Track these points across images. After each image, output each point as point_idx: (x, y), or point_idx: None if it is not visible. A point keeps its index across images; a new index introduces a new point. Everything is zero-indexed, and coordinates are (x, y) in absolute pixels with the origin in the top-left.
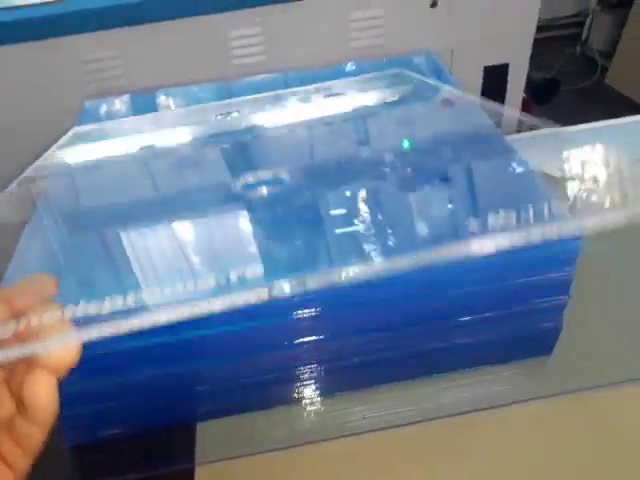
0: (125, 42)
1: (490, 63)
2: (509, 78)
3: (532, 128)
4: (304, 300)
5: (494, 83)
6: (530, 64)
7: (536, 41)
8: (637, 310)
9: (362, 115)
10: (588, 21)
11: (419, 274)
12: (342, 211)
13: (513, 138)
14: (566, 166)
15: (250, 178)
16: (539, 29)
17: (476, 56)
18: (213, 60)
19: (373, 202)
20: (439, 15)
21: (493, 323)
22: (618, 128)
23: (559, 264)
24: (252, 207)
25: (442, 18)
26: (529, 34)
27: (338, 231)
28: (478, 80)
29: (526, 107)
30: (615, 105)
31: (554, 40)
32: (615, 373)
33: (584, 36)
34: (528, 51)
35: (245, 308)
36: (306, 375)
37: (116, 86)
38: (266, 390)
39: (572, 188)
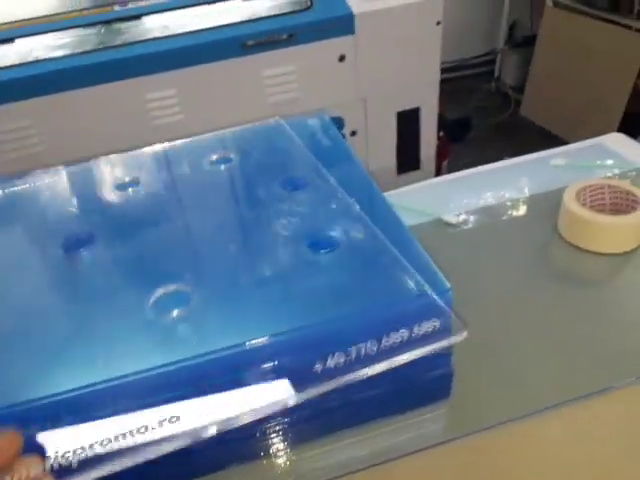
0: (40, 111)
1: (402, 108)
2: (422, 120)
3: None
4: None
5: (408, 126)
6: (449, 101)
7: (454, 79)
8: (524, 346)
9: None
10: (498, 59)
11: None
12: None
13: (410, 188)
14: (462, 213)
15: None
16: (455, 68)
17: (388, 103)
18: (132, 122)
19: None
20: (348, 68)
21: (385, 377)
22: (516, 167)
23: (435, 314)
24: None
25: (351, 71)
26: (435, 80)
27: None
28: (393, 124)
29: (443, 145)
30: (530, 135)
31: (470, 78)
32: (510, 409)
33: (496, 73)
34: (436, 95)
35: None
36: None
37: (34, 154)
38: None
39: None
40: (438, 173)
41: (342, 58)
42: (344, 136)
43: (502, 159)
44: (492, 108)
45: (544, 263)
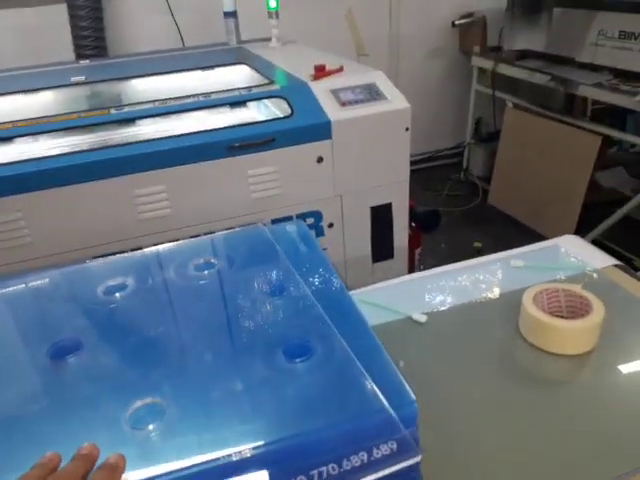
0: (31, 206)
1: (375, 204)
2: (394, 214)
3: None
4: None
5: (381, 220)
6: (424, 188)
7: (427, 169)
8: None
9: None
10: (466, 152)
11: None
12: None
13: (382, 285)
14: (430, 312)
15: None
16: (427, 159)
17: (362, 199)
18: (120, 216)
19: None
20: (325, 168)
21: None
22: (480, 267)
23: (400, 429)
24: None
25: (328, 170)
26: (404, 179)
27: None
28: (367, 218)
29: (415, 235)
30: (497, 222)
31: (442, 168)
32: None
33: (464, 164)
34: (406, 191)
35: None
36: None
37: (23, 245)
38: None
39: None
40: (411, 261)
41: (320, 159)
42: (322, 228)
43: (472, 245)
44: (462, 196)
45: (507, 363)
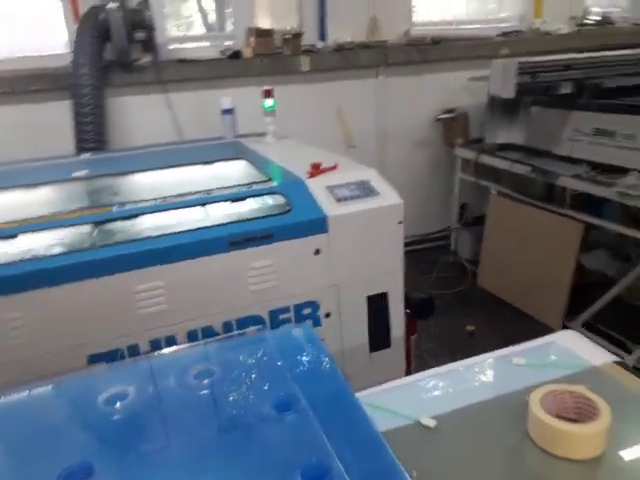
0: (30, 304)
1: (371, 293)
2: (390, 303)
3: None
4: None
5: (377, 309)
6: (415, 270)
7: (415, 252)
8: None
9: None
10: (453, 235)
11: None
12: None
13: (390, 386)
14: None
15: None
16: (417, 242)
17: (358, 289)
18: (119, 312)
19: None
20: (322, 260)
21: None
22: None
23: None
24: None
25: (325, 262)
26: (399, 269)
27: None
28: (363, 307)
29: (410, 321)
30: (489, 304)
31: (432, 250)
32: None
33: (452, 247)
34: (401, 280)
35: None
36: None
37: (21, 344)
38: None
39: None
40: (408, 348)
41: (317, 252)
42: (319, 318)
43: (464, 328)
44: (452, 278)
45: (519, 469)
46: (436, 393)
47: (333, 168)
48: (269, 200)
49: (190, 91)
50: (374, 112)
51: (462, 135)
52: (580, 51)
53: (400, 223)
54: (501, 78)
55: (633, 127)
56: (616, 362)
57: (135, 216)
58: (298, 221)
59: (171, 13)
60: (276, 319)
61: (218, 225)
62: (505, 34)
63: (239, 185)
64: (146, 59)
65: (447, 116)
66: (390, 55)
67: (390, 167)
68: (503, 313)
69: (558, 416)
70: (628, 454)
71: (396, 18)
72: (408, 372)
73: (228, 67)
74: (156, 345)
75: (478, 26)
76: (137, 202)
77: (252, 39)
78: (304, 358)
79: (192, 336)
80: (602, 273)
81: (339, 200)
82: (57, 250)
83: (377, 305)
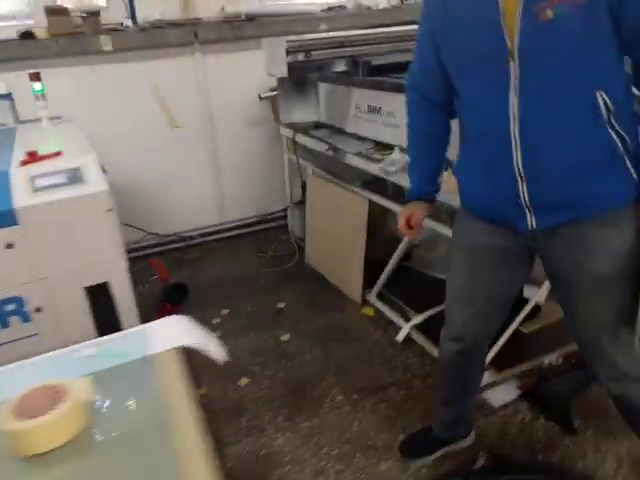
0: None
1: (89, 284)
2: (115, 293)
3: None
4: None
5: (100, 299)
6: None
7: (258, 232)
8: None
9: None
10: (288, 215)
11: None
12: None
13: None
14: None
15: None
16: (258, 222)
17: (72, 280)
18: None
19: None
20: (18, 254)
21: None
22: None
23: None
24: None
25: (23, 256)
26: (120, 257)
27: None
28: (83, 299)
29: (162, 309)
30: (309, 280)
31: (271, 230)
32: None
33: (289, 227)
34: (124, 270)
35: None
36: None
37: None
38: None
39: None
40: None
41: (9, 245)
42: (26, 313)
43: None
44: (284, 256)
45: None
46: None
47: (55, 155)
48: None
49: None
50: (196, 91)
51: None
52: (401, 25)
53: (109, 211)
54: (272, 57)
55: (393, 104)
56: (178, 348)
57: None
58: None
59: None
60: None
61: None
62: (330, 9)
63: None
64: None
65: (271, 94)
66: (201, 32)
67: (222, 146)
68: (317, 289)
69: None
70: (108, 430)
71: None
72: None
73: (20, 49)
74: None
75: (305, 1)
76: None
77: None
78: None
79: None
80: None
81: (37, 190)
82: None
83: (98, 296)
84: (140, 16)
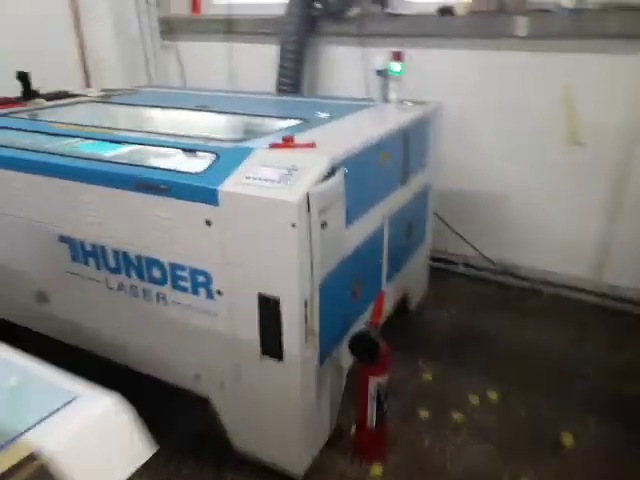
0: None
1: (263, 291)
2: (283, 311)
3: None
4: None
5: (268, 310)
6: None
7: None
8: None
9: None
10: None
11: None
12: None
13: None
14: None
15: None
16: None
17: (250, 279)
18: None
19: None
20: (213, 233)
21: None
22: None
23: None
24: None
25: (217, 236)
26: (294, 277)
27: None
28: (255, 302)
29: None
30: None
31: None
32: None
33: None
34: (296, 290)
35: None
36: None
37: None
38: None
39: None
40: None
41: (208, 222)
42: (211, 291)
43: None
44: None
45: None
46: None
47: (309, 146)
48: (200, 159)
49: (386, 47)
50: (624, 100)
51: None
52: None
53: (294, 226)
54: None
55: None
56: None
57: (118, 142)
58: (190, 184)
59: None
60: (175, 273)
61: (131, 165)
62: None
63: (201, 138)
64: (355, 10)
65: None
66: None
67: (637, 180)
68: None
69: None
70: None
71: None
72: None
73: (433, 25)
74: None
75: None
76: (137, 132)
77: None
78: None
79: (115, 254)
80: None
81: (248, 177)
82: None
83: (268, 306)
84: None
